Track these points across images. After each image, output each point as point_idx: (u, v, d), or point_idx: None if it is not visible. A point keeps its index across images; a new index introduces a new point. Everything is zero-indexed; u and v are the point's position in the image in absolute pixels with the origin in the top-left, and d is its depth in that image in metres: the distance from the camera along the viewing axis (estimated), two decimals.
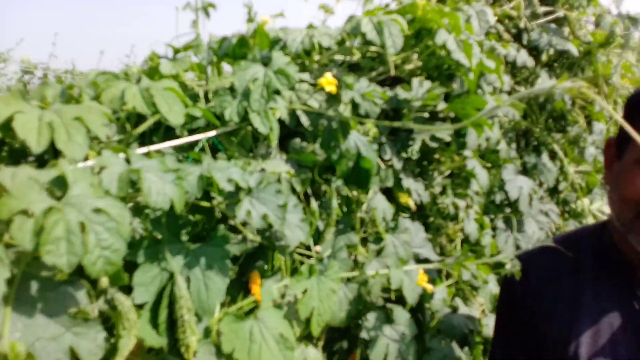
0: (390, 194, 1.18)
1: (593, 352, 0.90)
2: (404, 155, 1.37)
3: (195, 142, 0.77)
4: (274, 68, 0.75)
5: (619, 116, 0.66)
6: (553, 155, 1.89)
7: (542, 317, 0.99)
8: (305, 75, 0.86)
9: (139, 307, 0.66)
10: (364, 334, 0.95)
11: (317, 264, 0.78)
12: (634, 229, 0.83)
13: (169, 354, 0.67)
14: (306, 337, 0.98)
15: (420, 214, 1.39)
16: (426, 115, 0.95)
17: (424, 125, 0.94)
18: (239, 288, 0.80)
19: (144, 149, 0.63)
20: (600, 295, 0.94)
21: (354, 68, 1.04)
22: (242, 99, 0.73)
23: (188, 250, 0.68)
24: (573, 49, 1.55)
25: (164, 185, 0.56)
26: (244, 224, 0.74)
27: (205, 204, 0.69)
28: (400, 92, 0.84)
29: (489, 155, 1.56)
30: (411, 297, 0.85)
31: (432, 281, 1.18)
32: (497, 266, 1.36)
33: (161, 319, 0.66)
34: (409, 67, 1.00)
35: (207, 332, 0.70)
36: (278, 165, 0.72)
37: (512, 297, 1.05)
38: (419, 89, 0.86)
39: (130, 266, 0.66)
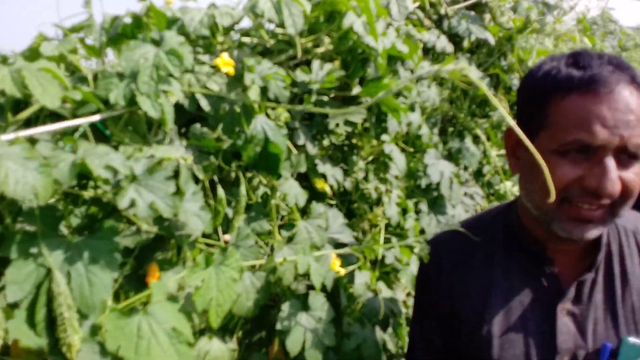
0: (308, 180, 1.17)
1: (505, 329, 0.93)
2: (327, 141, 1.36)
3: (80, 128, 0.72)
4: (166, 48, 0.71)
5: (505, 112, 0.67)
6: (478, 140, 1.95)
7: (456, 298, 1.00)
8: (207, 57, 0.82)
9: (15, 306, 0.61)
10: (279, 323, 0.93)
11: (220, 253, 0.76)
12: (558, 216, 0.85)
13: (50, 354, 0.62)
14: (222, 329, 0.95)
15: (344, 199, 1.39)
16: (325, 98, 0.94)
17: (325, 108, 0.92)
18: (136, 282, 0.76)
19: (10, 136, 0.58)
20: (510, 274, 0.96)
21: (266, 52, 1.00)
22: (130, 81, 0.68)
23: (69, 244, 0.64)
24: (490, 37, 1.59)
25: (26, 173, 0.51)
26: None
27: (88, 193, 0.65)
28: (300, 75, 0.82)
29: (413, 141, 1.58)
30: (319, 282, 0.84)
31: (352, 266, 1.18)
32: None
33: (39, 317, 0.61)
34: (320, 50, 0.99)
35: (94, 330, 0.66)
36: (170, 151, 0.68)
37: (428, 279, 1.07)
38: (319, 72, 0.85)
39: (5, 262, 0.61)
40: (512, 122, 0.63)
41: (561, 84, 0.82)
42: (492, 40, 1.59)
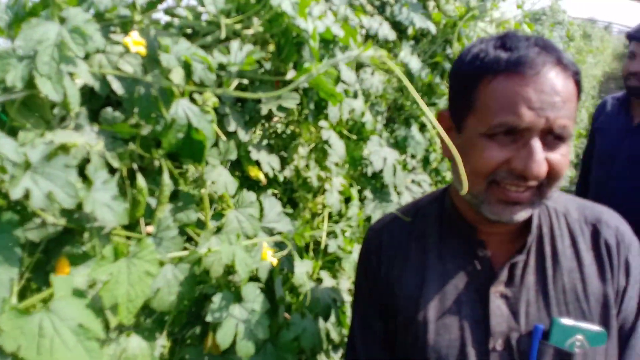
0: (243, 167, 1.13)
1: (440, 313, 0.93)
2: (270, 130, 1.32)
3: None
4: (69, 26, 0.66)
5: (419, 99, 0.66)
6: (425, 128, 1.96)
7: (394, 284, 1.00)
8: (122, 38, 0.77)
9: None
10: (209, 315, 0.90)
11: (136, 244, 0.72)
12: (487, 199, 0.85)
13: None
14: (153, 325, 0.91)
15: (286, 188, 1.37)
16: (242, 80, 0.90)
17: (253, 92, 0.89)
18: (44, 279, 0.71)
19: None
20: (445, 258, 0.96)
21: (193, 34, 0.96)
22: (30, 61, 0.63)
23: None
24: (431, 27, 1.59)
25: None
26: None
27: None
28: (218, 56, 0.78)
29: (358, 128, 1.57)
30: (244, 272, 0.81)
31: (289, 255, 1.16)
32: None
33: None
34: (249, 32, 0.95)
35: None
36: (72, 136, 0.63)
37: (369, 265, 1.06)
38: (238, 53, 0.81)
39: None
40: (425, 107, 0.61)
41: (488, 66, 0.81)
42: (433, 30, 1.58)
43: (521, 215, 0.84)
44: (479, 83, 0.84)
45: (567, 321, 0.86)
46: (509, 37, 0.84)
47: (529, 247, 0.92)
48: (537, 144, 0.79)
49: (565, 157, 0.82)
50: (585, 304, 0.88)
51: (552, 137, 0.80)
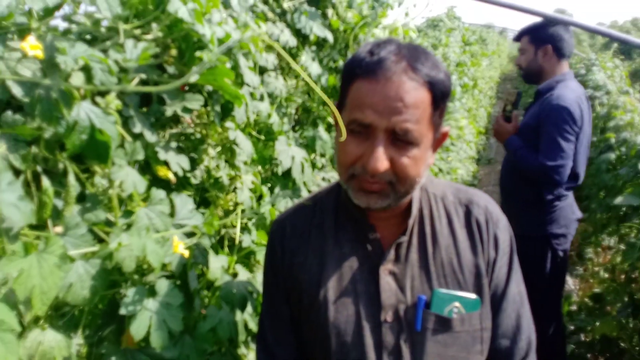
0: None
1: (338, 293, 1.03)
2: (178, 133, 1.36)
3: None
4: None
5: (312, 83, 0.75)
6: (331, 128, 2.08)
7: (298, 269, 1.09)
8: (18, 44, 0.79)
9: None
10: (123, 309, 0.93)
11: (44, 241, 0.74)
12: (350, 187, 0.97)
13: None
14: (67, 324, 0.93)
15: (199, 188, 1.41)
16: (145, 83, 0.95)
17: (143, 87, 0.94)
18: None
19: None
20: (341, 243, 1.06)
21: (93, 40, 0.99)
22: None
23: None
24: (329, 35, 1.70)
25: None
26: None
27: None
28: (112, 54, 0.82)
29: (267, 129, 1.65)
30: (157, 261, 0.86)
31: (204, 250, 1.21)
32: None
33: None
34: (149, 37, 1.00)
35: None
36: None
37: (274, 255, 1.14)
38: (133, 50, 0.86)
39: None
40: (327, 98, 0.70)
41: (354, 69, 0.93)
42: (330, 38, 1.70)
43: (378, 203, 0.96)
44: (348, 84, 0.96)
45: (445, 291, 1.00)
46: (379, 44, 0.95)
47: (411, 229, 1.04)
48: (380, 143, 0.90)
49: (412, 159, 0.92)
50: (461, 275, 1.02)
51: (400, 140, 0.91)
